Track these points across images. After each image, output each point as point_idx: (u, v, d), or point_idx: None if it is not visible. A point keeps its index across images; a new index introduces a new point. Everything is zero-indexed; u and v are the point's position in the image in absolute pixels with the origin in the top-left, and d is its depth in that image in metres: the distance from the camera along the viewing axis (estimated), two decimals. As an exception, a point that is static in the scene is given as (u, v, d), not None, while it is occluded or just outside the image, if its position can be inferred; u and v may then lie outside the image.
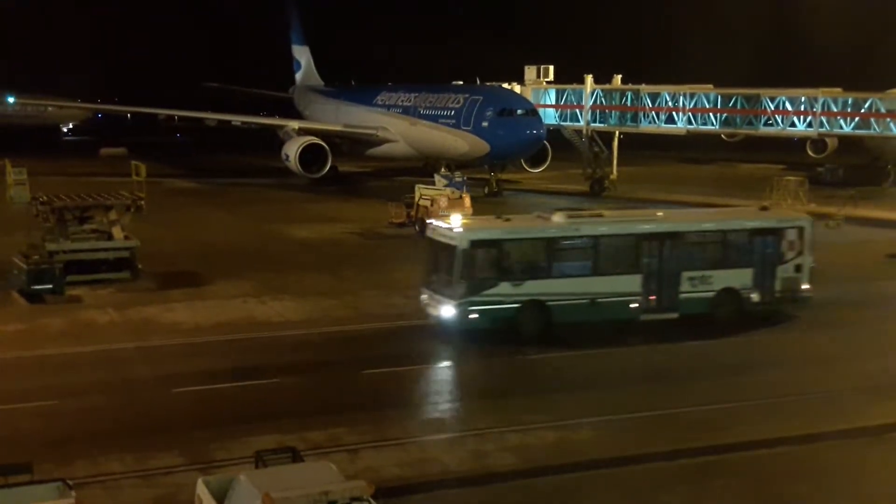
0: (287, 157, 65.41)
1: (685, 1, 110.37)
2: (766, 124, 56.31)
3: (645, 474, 19.49)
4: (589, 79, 64.32)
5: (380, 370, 25.39)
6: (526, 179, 70.91)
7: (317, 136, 66.59)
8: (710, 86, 59.42)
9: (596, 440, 20.80)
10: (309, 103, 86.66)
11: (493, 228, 29.44)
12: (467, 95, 63.43)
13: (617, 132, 64.87)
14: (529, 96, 66.18)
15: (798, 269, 30.86)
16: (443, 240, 28.86)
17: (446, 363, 26.88)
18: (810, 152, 78.50)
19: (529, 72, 67.96)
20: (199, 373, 24.81)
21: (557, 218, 29.75)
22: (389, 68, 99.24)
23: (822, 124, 54.54)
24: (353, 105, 76.95)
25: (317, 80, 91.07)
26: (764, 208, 34.97)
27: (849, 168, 71.51)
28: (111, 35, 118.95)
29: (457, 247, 27.89)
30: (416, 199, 48.17)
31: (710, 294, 30.04)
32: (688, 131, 60.07)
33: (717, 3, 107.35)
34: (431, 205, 46.62)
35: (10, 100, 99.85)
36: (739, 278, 30.35)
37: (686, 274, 29.67)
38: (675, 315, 29.68)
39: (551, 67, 67.51)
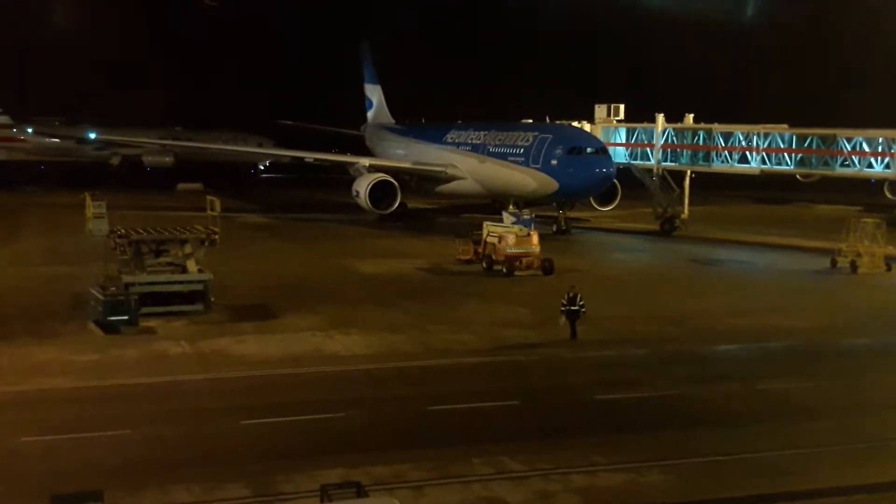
0: (357, 193, 66.21)
1: (760, 40, 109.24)
2: (842, 165, 55.20)
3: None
4: (660, 117, 64.02)
5: (446, 406, 25.30)
6: (595, 218, 70.60)
7: (387, 173, 67.33)
8: (785, 125, 58.57)
9: (665, 484, 20.39)
10: (379, 141, 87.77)
11: None
12: (537, 133, 63.57)
13: (688, 171, 64.29)
14: (599, 135, 66.10)
15: None
16: None
17: (513, 402, 26.60)
18: (888, 194, 76.78)
19: (600, 110, 67.97)
20: (267, 405, 25.03)
21: None
22: (460, 107, 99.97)
23: (900, 165, 53.27)
24: (423, 143, 77.68)
25: (388, 118, 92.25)
26: None
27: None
28: (187, 73, 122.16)
29: None
30: (484, 235, 48.24)
31: None
32: (762, 171, 59.18)
33: (792, 43, 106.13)
34: (499, 242, 46.70)
35: (92, 136, 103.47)
36: None
37: None
38: None
39: (622, 106, 67.45)
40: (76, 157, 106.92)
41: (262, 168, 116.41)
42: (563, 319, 32.61)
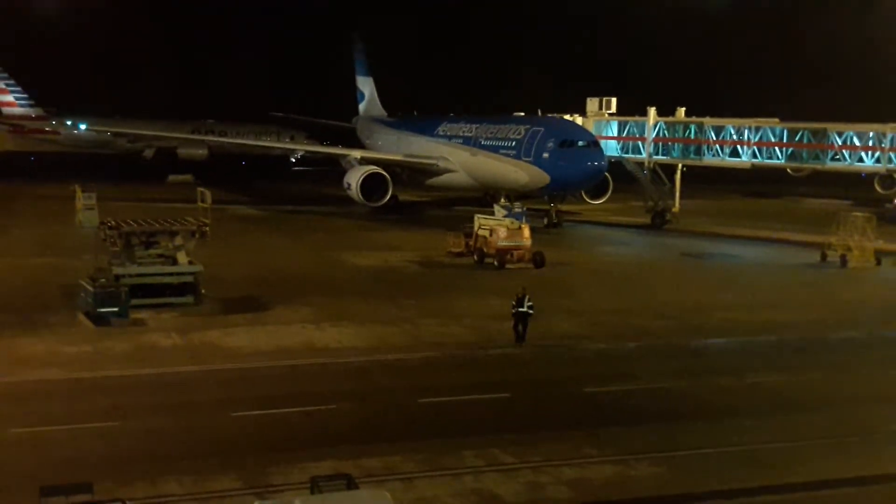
0: (349, 185, 66.12)
1: (751, 34, 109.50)
2: (833, 159, 55.34)
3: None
4: (652, 111, 64.07)
5: (437, 399, 25.32)
6: (586, 211, 70.63)
7: (378, 166, 67.23)
8: (776, 119, 58.69)
9: (655, 477, 20.44)
10: (371, 133, 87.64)
11: None
12: (528, 126, 63.54)
13: (680, 165, 64.37)
14: (591, 128, 66.07)
15: None
16: None
17: (504, 394, 26.60)
18: (878, 188, 77.03)
19: (591, 103, 67.96)
20: (257, 397, 25.01)
21: None
22: (452, 99, 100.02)
23: (890, 160, 53.37)
24: (415, 135, 77.58)
25: (380, 111, 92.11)
26: None
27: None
28: (179, 65, 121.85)
29: None
30: (476, 228, 48.22)
31: None
32: (753, 165, 59.31)
33: (783, 37, 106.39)
34: (490, 235, 46.69)
35: (83, 126, 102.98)
36: None
37: None
38: None
39: (614, 99, 67.48)
40: (109, 150, 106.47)
41: (294, 161, 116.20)
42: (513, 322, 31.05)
